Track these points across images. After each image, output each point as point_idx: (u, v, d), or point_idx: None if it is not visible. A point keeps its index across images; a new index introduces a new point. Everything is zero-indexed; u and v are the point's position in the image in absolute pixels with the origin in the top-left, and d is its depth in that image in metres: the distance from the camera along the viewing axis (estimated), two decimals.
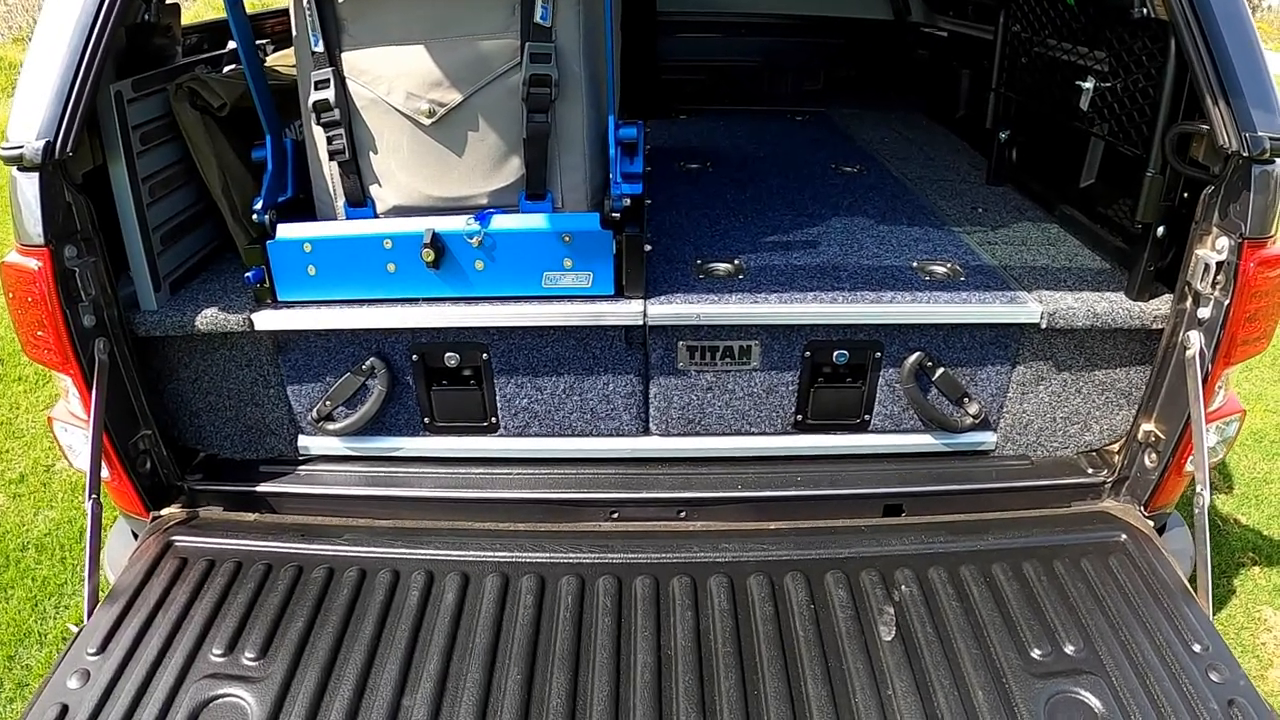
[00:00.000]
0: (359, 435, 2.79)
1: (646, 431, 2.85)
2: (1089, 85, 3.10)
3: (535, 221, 2.62)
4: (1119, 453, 2.98)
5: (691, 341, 2.71)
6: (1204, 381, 2.73)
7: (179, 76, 2.76)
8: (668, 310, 2.66)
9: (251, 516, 2.77)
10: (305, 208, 2.75)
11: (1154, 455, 2.88)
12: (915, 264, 2.97)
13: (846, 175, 3.96)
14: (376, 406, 2.72)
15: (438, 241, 2.60)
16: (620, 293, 2.68)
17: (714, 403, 2.81)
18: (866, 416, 2.87)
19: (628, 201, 2.64)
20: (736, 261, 2.93)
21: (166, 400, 2.77)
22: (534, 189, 2.65)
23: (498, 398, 2.78)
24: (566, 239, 2.62)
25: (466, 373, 2.75)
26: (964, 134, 4.47)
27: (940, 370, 2.80)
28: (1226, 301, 2.65)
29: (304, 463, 2.83)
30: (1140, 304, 2.84)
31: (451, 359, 2.72)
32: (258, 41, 3.24)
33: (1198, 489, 2.72)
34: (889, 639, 2.47)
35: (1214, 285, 2.66)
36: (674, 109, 5.09)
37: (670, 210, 3.37)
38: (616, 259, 2.65)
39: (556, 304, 2.66)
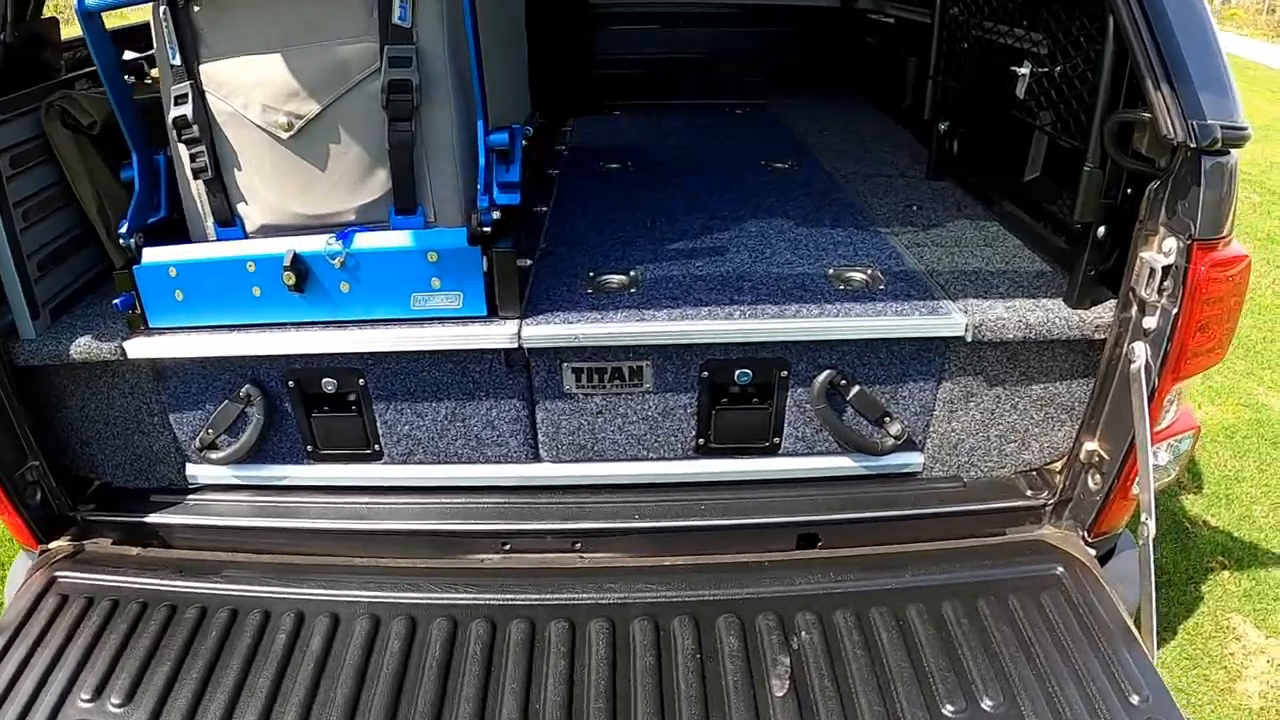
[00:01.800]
0: (245, 464, 2.27)
1: (536, 458, 2.28)
2: (1025, 71, 2.41)
3: (399, 239, 2.05)
4: (1061, 472, 2.33)
5: (577, 363, 2.13)
6: (1150, 398, 2.08)
7: (52, 95, 2.25)
8: (544, 331, 2.07)
9: (134, 551, 2.27)
10: (182, 229, 2.23)
11: (1098, 477, 2.23)
12: (831, 271, 2.33)
13: (776, 172, 3.26)
14: (256, 435, 2.20)
15: (299, 263, 2.05)
16: (494, 313, 2.11)
17: (606, 427, 2.22)
18: (776, 439, 2.26)
19: (496, 215, 2.07)
20: (633, 273, 2.32)
21: (56, 429, 2.28)
22: (403, 202, 2.08)
23: (378, 424, 2.23)
24: (433, 257, 2.05)
25: (350, 398, 2.22)
26: (910, 125, 3.72)
27: (855, 388, 2.18)
28: (1175, 310, 1.99)
29: (193, 492, 2.32)
30: (1080, 312, 2.18)
31: (329, 385, 2.18)
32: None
33: (1143, 518, 2.08)
34: (780, 694, 1.88)
35: (1161, 292, 2.00)
36: (607, 105, 4.26)
37: (576, 215, 2.79)
38: (488, 277, 2.08)
39: (427, 327, 2.09)
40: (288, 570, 2.17)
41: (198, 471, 2.29)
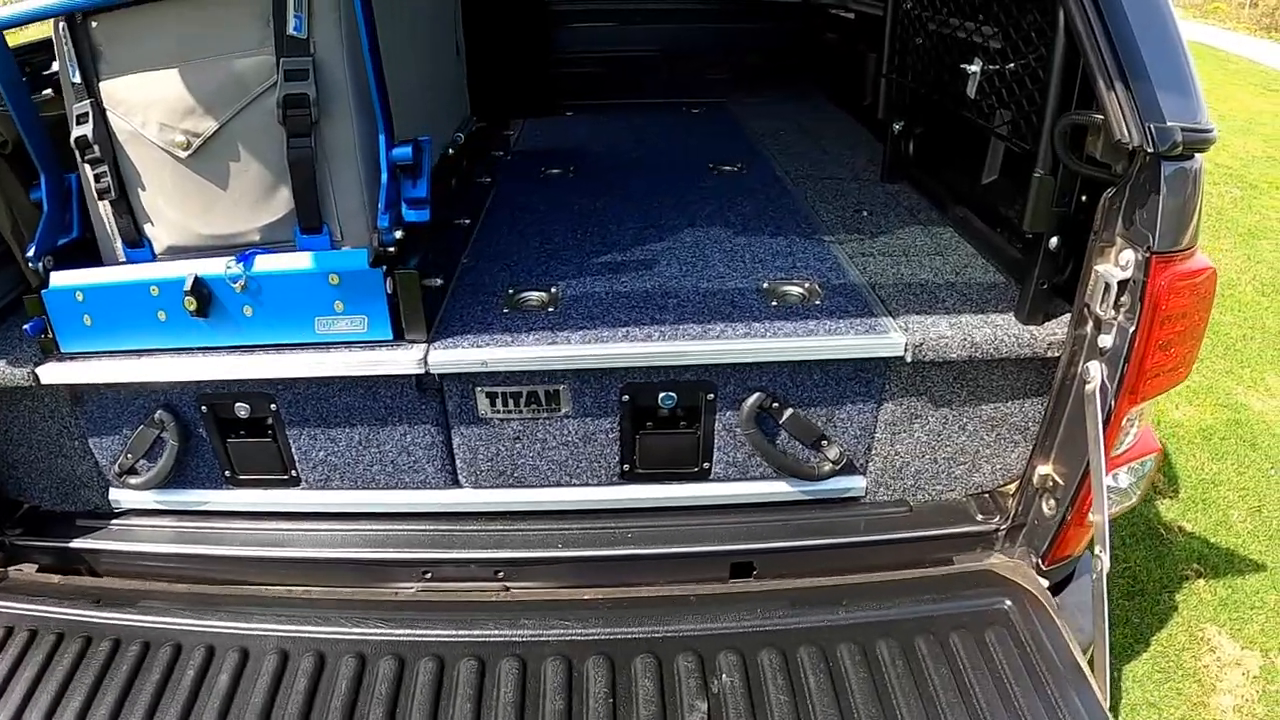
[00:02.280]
0: (166, 488, 2.02)
1: (455, 484, 2.00)
2: (975, 69, 2.07)
3: (299, 262, 1.78)
4: (1014, 496, 2.02)
5: (491, 387, 1.85)
6: (1106, 421, 1.76)
7: None
8: (451, 357, 1.79)
9: (56, 579, 2.04)
10: (95, 250, 1.98)
11: (1052, 502, 1.91)
12: (766, 285, 2.01)
13: (724, 176, 2.87)
14: (172, 460, 1.95)
15: (201, 287, 1.78)
16: (400, 337, 1.83)
17: (525, 453, 1.94)
18: (706, 464, 1.95)
19: (399, 234, 1.78)
20: (554, 289, 2.02)
21: None
22: (307, 221, 1.80)
23: (293, 449, 1.97)
24: (334, 280, 1.77)
25: (265, 423, 1.96)
26: (870, 124, 3.30)
27: (788, 411, 1.88)
28: (1132, 328, 1.66)
29: (117, 517, 2.07)
30: (1032, 328, 1.86)
31: (242, 410, 1.91)
32: None
33: (1096, 550, 1.77)
34: None
35: (1117, 308, 1.67)
36: (561, 105, 3.79)
37: (505, 226, 2.45)
38: (392, 300, 1.80)
39: (333, 352, 1.81)
40: (203, 601, 1.92)
41: (120, 496, 2.05)
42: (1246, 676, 2.58)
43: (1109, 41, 1.54)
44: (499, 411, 1.87)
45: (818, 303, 1.93)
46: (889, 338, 1.80)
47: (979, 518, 2.00)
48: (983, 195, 2.25)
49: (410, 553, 1.96)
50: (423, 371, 1.79)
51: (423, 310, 1.80)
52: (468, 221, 2.36)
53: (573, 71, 3.97)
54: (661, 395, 1.86)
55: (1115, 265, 1.69)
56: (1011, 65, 1.92)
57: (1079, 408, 1.81)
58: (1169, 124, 1.54)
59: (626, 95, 3.92)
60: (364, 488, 1.99)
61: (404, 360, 1.78)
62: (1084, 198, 1.77)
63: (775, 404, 1.86)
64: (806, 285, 2.00)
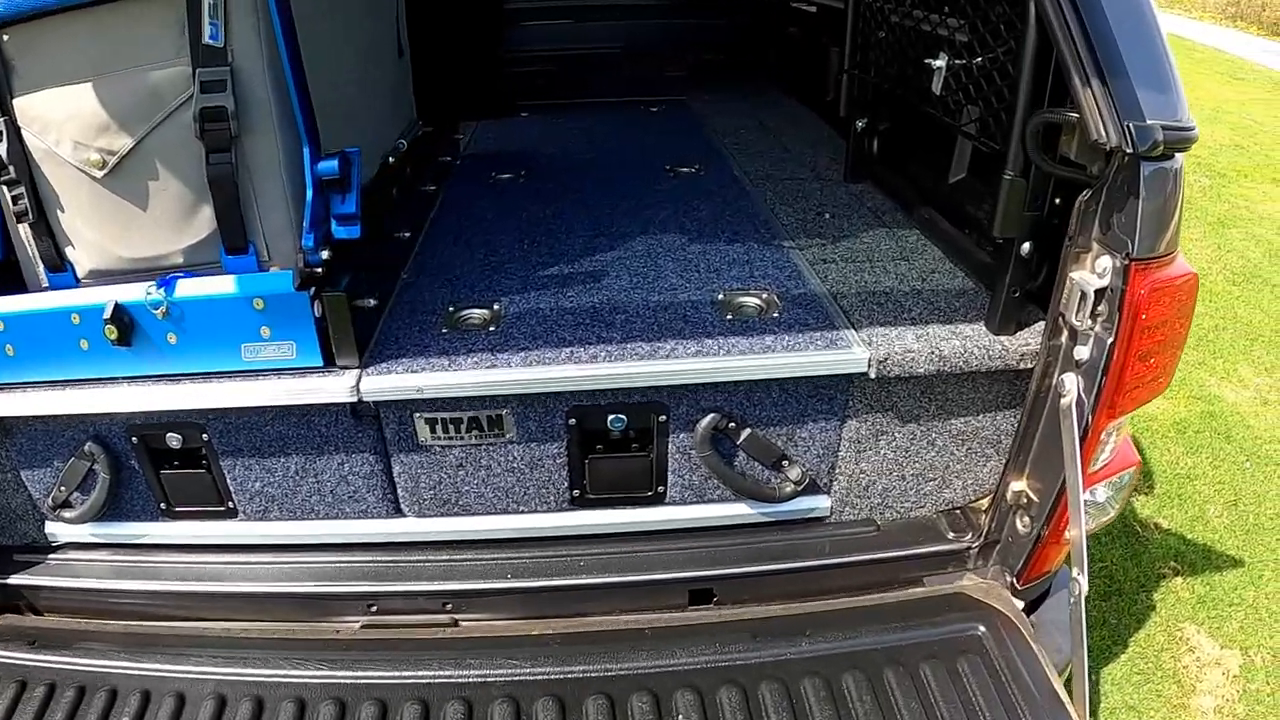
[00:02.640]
0: (102, 521, 1.82)
1: (398, 513, 1.79)
2: (940, 63, 1.84)
3: (221, 286, 1.56)
4: (987, 511, 1.81)
5: (429, 414, 1.63)
6: (1083, 437, 1.55)
7: None
8: (385, 384, 1.57)
9: None
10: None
11: (1027, 519, 1.70)
12: (721, 296, 1.79)
13: (681, 178, 2.58)
14: (105, 493, 1.74)
15: (121, 315, 1.56)
16: (331, 363, 1.61)
17: (470, 480, 1.73)
18: (660, 488, 1.74)
19: (326, 254, 1.57)
20: (496, 306, 1.79)
21: None
22: (231, 241, 1.58)
23: (228, 480, 1.76)
24: (259, 304, 1.55)
25: (198, 453, 1.74)
26: (833, 121, 3.02)
27: (746, 432, 1.66)
28: (1110, 339, 1.45)
29: (55, 551, 1.87)
30: (1003, 339, 1.64)
31: (173, 440, 1.70)
32: None
33: (1073, 572, 1.56)
34: None
35: (1094, 318, 1.46)
36: (517, 106, 3.38)
37: (449, 237, 2.17)
38: (321, 324, 1.58)
39: (262, 380, 1.60)
40: (141, 642, 1.71)
41: (56, 530, 1.83)
42: (1227, 676, 2.38)
43: (1084, 35, 1.32)
44: (440, 438, 1.66)
45: (776, 315, 1.71)
46: (851, 353, 1.59)
47: (950, 535, 1.79)
48: (949, 195, 2.03)
49: (354, 585, 1.75)
50: (355, 400, 1.58)
51: (353, 334, 1.59)
52: (409, 234, 2.12)
53: (527, 70, 3.63)
54: (610, 418, 1.65)
55: (1092, 272, 1.48)
56: (979, 60, 1.70)
57: (1054, 422, 1.60)
58: (1149, 122, 1.33)
59: (583, 94, 3.58)
60: (304, 518, 1.78)
61: (335, 388, 1.57)
62: (1058, 200, 1.55)
63: (732, 424, 1.65)
64: (764, 296, 1.78)
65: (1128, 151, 1.33)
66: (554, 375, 1.56)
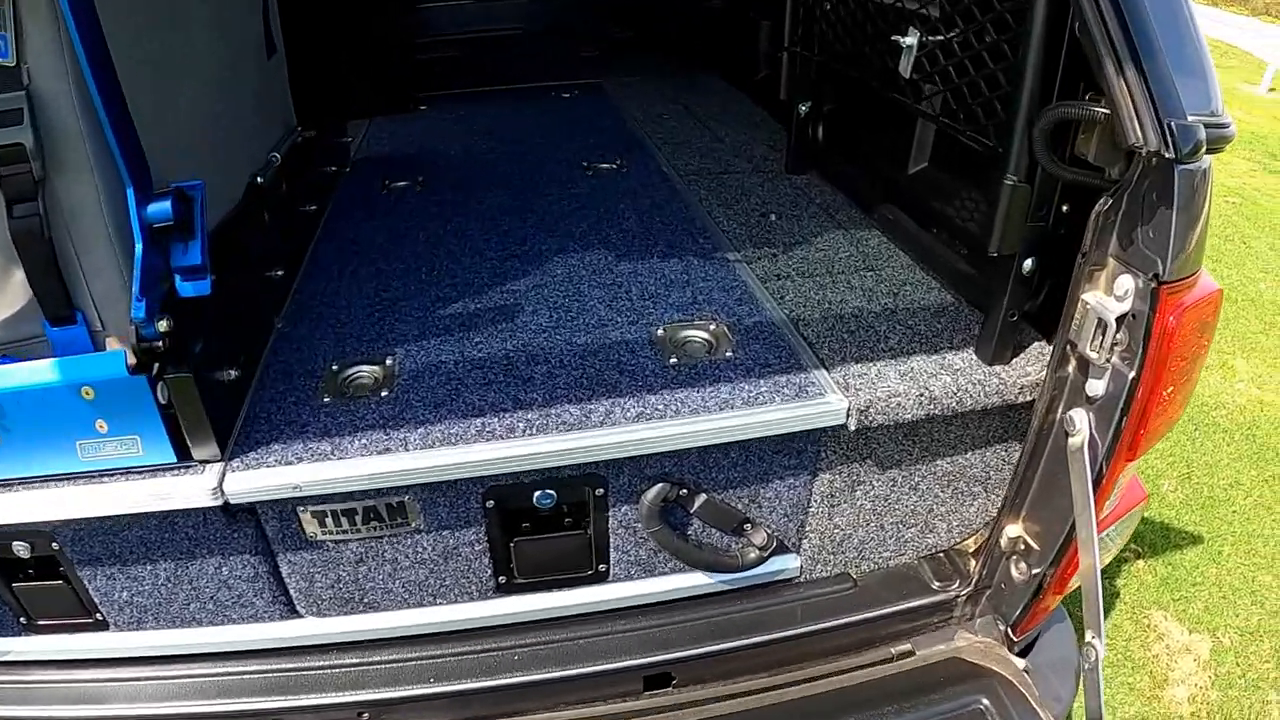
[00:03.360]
0: None
1: (295, 614, 1.42)
2: (911, 41, 1.51)
3: (38, 374, 1.13)
4: (976, 555, 1.55)
5: (315, 507, 1.26)
6: (1096, 482, 1.29)
7: None
8: (253, 481, 1.19)
9: None
10: None
11: (1024, 565, 1.45)
12: (661, 331, 1.45)
13: (601, 176, 2.16)
14: None
15: None
16: (187, 458, 1.22)
17: (374, 575, 1.37)
18: (602, 566, 1.42)
19: (164, 325, 1.16)
20: (390, 361, 1.41)
21: None
22: (53, 311, 1.14)
23: (90, 591, 1.36)
24: (88, 393, 1.14)
25: (53, 562, 1.34)
26: (768, 103, 2.63)
27: (701, 499, 1.34)
28: (1131, 373, 1.18)
29: None
30: (1000, 370, 1.36)
31: (21, 549, 1.29)
32: None
33: (1088, 636, 1.31)
34: None
35: (1112, 348, 1.18)
36: (415, 99, 2.85)
37: (333, 269, 1.75)
38: (168, 411, 1.19)
39: (106, 483, 1.19)
40: None
41: None
42: (1199, 664, 2.24)
43: (1117, 12, 1.01)
44: (331, 533, 1.29)
45: (729, 354, 1.38)
46: (825, 402, 1.28)
47: (935, 585, 1.52)
48: (910, 188, 1.71)
49: (252, 701, 1.38)
50: (219, 503, 1.20)
51: (208, 421, 1.19)
52: (282, 272, 1.68)
53: (426, 59, 3.07)
54: (537, 495, 1.30)
55: (1108, 295, 1.19)
56: (960, 36, 1.37)
57: (1058, 462, 1.33)
58: (1190, 120, 1.04)
59: (489, 82, 3.05)
60: (186, 625, 1.40)
61: (192, 491, 1.17)
62: (1065, 208, 1.26)
63: (684, 491, 1.33)
64: (712, 328, 1.44)
65: (1166, 156, 1.04)
66: (461, 459, 1.19)
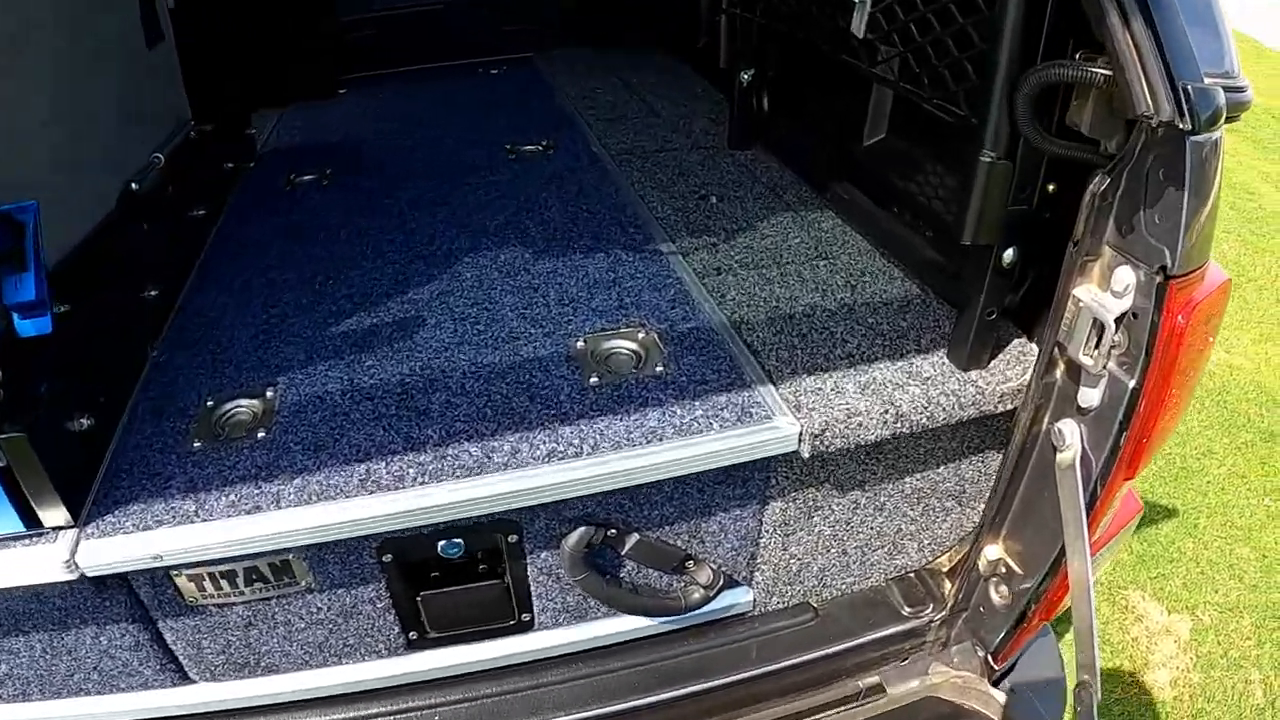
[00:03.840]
0: None
1: (187, 679, 1.19)
2: None
3: None
4: (951, 575, 1.37)
5: (191, 570, 1.04)
6: (1090, 504, 1.10)
7: None
8: (111, 552, 0.95)
9: None
10: None
11: (1005, 590, 1.26)
12: (581, 344, 1.21)
13: (525, 160, 1.89)
14: None
15: None
16: (36, 525, 0.97)
17: (267, 638, 1.15)
18: (525, 615, 1.21)
19: None
20: (270, 393, 1.17)
21: None
22: None
23: None
24: None
25: None
26: (709, 72, 2.35)
27: (633, 539, 1.13)
28: (1132, 381, 0.98)
29: None
30: (976, 377, 1.15)
31: None
32: None
33: (1081, 676, 1.13)
34: None
35: (1110, 351, 0.98)
36: (333, 84, 2.48)
37: (219, 284, 1.48)
38: (7, 475, 0.95)
39: None
40: None
41: None
42: (1179, 646, 2.10)
43: None
44: (212, 596, 1.06)
45: (659, 369, 1.15)
46: (773, 427, 1.06)
47: (906, 610, 1.33)
48: (867, 162, 1.48)
49: None
50: (74, 576, 0.96)
51: (56, 482, 0.95)
52: (156, 293, 1.39)
53: (351, 38, 2.69)
54: (441, 544, 1.08)
55: (1105, 290, 0.99)
56: None
57: (1043, 478, 1.14)
58: (1207, 83, 0.82)
59: (416, 60, 2.72)
60: (73, 696, 1.16)
61: (43, 564, 0.93)
62: (1050, 187, 1.05)
63: (612, 532, 1.12)
64: (641, 337, 1.21)
65: (1180, 126, 0.83)
66: (341, 517, 0.96)
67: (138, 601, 1.08)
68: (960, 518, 1.34)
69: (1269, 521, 2.43)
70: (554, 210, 1.61)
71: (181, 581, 1.06)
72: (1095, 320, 0.99)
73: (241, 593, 1.08)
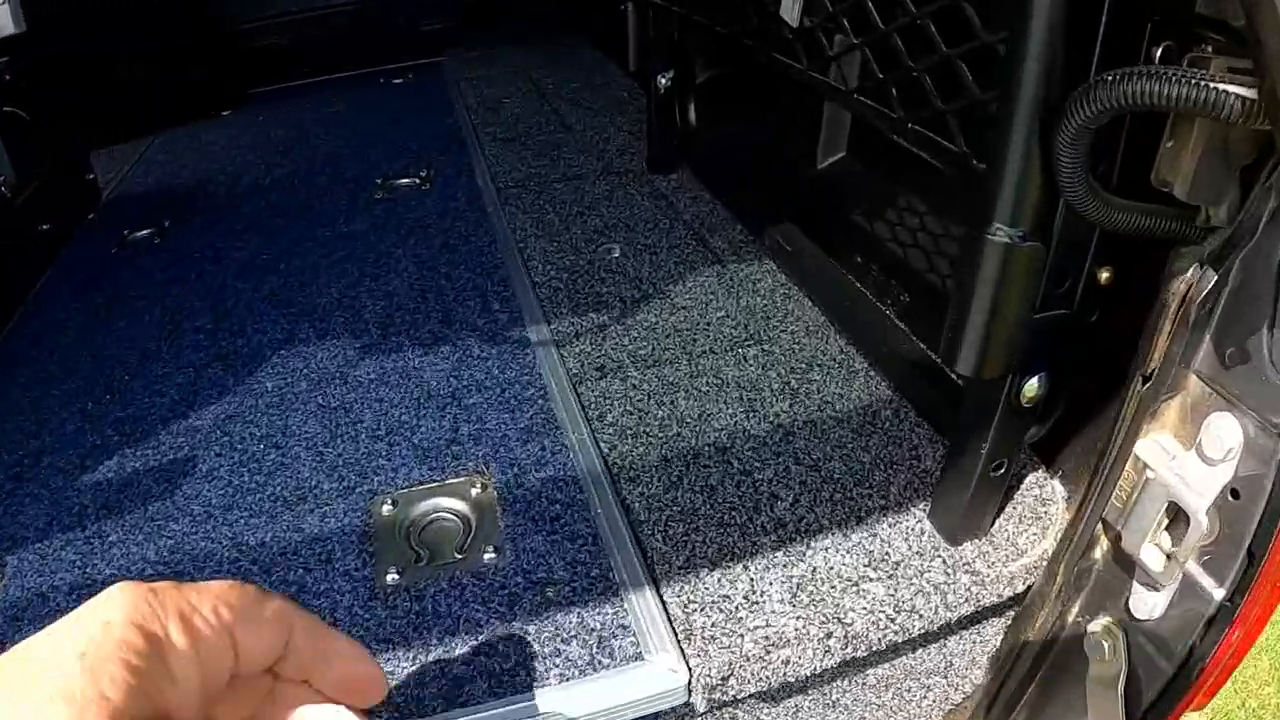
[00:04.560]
0: None
1: None
2: None
3: None
4: None
5: None
6: None
7: None
8: None
9: None
10: None
11: None
12: (389, 507, 0.77)
13: (396, 197, 1.47)
14: None
15: None
16: None
17: None
18: None
19: None
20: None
21: None
22: None
23: None
24: None
25: None
26: (639, 75, 1.91)
27: None
28: (1221, 594, 0.54)
29: None
30: (973, 552, 0.74)
31: None
32: None
33: None
34: None
35: (1194, 547, 0.57)
36: (214, 105, 2.03)
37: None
38: None
39: None
40: None
41: None
42: None
43: None
44: None
45: (489, 555, 0.72)
46: (648, 673, 0.63)
47: None
48: (821, 190, 1.06)
49: None
50: None
51: None
52: None
53: (251, 46, 2.24)
54: None
55: (1190, 449, 0.58)
56: None
57: (1068, 685, 0.74)
58: None
59: (315, 73, 2.29)
60: None
61: None
62: (1104, 276, 0.63)
63: None
64: (474, 493, 0.79)
65: None
66: None
67: None
68: (946, 691, 0.93)
69: None
70: (405, 276, 1.18)
71: None
72: (1182, 503, 0.58)
73: None
